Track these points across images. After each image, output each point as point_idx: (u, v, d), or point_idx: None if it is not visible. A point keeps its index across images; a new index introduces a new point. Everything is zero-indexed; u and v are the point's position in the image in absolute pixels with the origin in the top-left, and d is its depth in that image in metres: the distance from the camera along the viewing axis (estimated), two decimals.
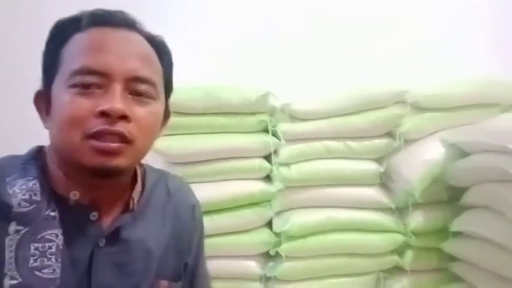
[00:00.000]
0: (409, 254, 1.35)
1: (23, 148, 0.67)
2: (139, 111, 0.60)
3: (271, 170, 1.32)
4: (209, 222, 1.24)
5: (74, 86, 0.57)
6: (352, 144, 1.35)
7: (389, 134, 1.36)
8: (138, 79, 0.60)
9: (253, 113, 1.31)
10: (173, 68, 0.72)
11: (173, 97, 1.17)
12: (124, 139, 0.57)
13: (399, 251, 1.37)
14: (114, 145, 0.57)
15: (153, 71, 0.64)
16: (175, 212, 0.76)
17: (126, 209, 0.67)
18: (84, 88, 0.57)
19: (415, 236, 1.32)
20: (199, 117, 1.29)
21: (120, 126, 0.57)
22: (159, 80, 0.66)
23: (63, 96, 0.57)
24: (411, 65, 1.46)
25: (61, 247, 0.58)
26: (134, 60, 0.61)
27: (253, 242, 1.31)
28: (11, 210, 0.57)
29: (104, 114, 0.56)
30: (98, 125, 0.56)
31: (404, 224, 1.34)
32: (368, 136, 1.36)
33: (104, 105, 0.56)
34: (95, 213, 0.62)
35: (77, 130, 0.56)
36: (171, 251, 0.73)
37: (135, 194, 0.69)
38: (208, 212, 1.26)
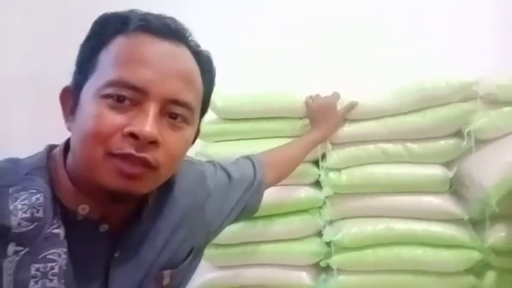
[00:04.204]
0: (490, 276, 1.12)
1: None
2: (170, 136, 0.56)
3: (319, 176, 1.25)
4: (257, 228, 1.24)
5: (106, 96, 0.53)
6: (413, 146, 1.20)
7: (458, 134, 1.18)
8: (177, 102, 0.57)
9: (300, 118, 1.27)
10: (213, 88, 0.68)
11: (221, 103, 1.25)
12: (148, 165, 0.54)
13: (477, 271, 1.15)
14: (138, 170, 0.53)
15: (194, 94, 0.60)
16: (183, 198, 0.73)
17: (135, 210, 0.64)
18: (117, 101, 0.53)
19: (497, 255, 1.09)
20: (246, 122, 1.30)
21: (147, 153, 0.53)
22: (197, 103, 0.62)
23: (92, 105, 0.54)
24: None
25: (64, 267, 0.55)
26: (176, 81, 0.56)
27: (302, 251, 1.24)
28: (9, 231, 0.52)
29: (133, 136, 0.52)
30: (124, 146, 0.52)
31: (482, 239, 1.13)
32: (432, 137, 1.19)
33: (135, 127, 0.52)
34: (105, 226, 0.59)
35: (100, 146, 0.52)
36: (179, 241, 0.72)
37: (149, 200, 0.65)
38: (256, 218, 1.24)
